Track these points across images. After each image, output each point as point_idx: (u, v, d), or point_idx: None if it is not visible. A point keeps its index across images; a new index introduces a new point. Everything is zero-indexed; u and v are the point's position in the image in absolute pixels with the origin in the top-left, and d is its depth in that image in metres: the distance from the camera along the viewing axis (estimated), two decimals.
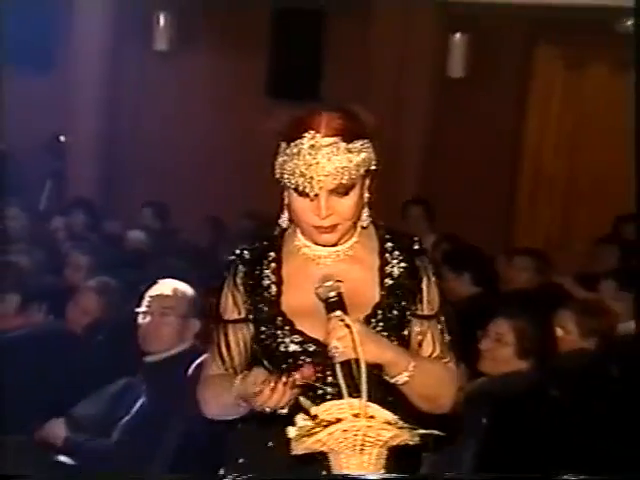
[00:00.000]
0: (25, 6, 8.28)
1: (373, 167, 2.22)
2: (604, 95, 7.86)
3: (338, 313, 2.13)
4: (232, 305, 2.30)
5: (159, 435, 3.68)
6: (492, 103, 7.74)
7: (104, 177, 8.47)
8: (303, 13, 8.01)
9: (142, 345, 3.90)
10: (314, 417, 2.06)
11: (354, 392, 2.10)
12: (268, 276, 2.28)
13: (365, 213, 2.26)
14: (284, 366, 2.22)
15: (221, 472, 2.37)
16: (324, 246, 2.26)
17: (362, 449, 2.01)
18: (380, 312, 2.26)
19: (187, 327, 3.90)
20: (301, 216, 2.22)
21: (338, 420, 2.03)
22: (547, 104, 8.08)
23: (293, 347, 2.22)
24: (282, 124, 2.21)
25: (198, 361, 3.66)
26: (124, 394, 3.96)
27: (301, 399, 2.11)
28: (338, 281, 2.16)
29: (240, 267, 2.30)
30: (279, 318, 2.25)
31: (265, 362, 2.26)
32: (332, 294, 2.15)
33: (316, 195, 2.16)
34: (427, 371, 2.24)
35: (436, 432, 2.08)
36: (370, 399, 2.07)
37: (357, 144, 2.18)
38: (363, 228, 2.30)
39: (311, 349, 2.22)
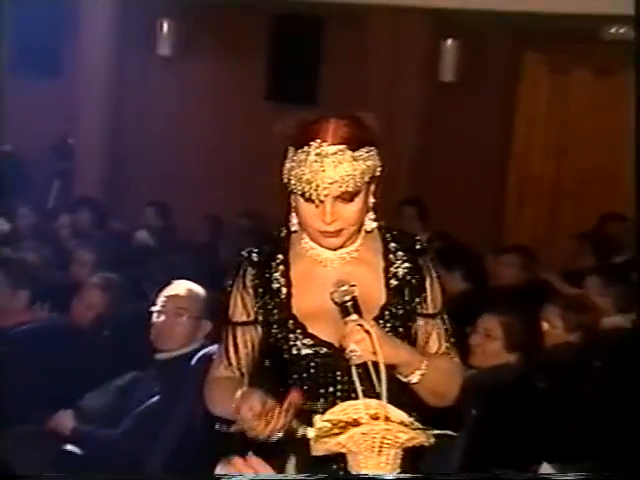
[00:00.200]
0: (35, 14, 8.30)
1: (378, 173, 2.20)
2: (588, 99, 7.88)
3: (354, 317, 2.11)
4: (241, 308, 2.27)
5: (165, 428, 3.68)
6: (481, 106, 7.75)
7: (109, 177, 8.47)
8: (301, 19, 8.01)
9: (155, 342, 3.89)
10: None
11: (369, 393, 2.09)
12: (277, 279, 2.25)
13: (371, 217, 2.24)
14: (296, 368, 2.20)
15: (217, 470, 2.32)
16: (329, 249, 2.24)
17: (380, 450, 1.99)
18: (387, 313, 2.24)
19: (199, 328, 3.88)
20: (307, 221, 2.19)
21: (355, 420, 2.02)
22: (534, 107, 8.09)
23: (305, 350, 2.20)
24: (290, 129, 2.19)
25: (199, 354, 3.68)
26: (131, 388, 3.96)
27: (293, 423, 2.09)
28: (352, 285, 2.14)
29: (249, 270, 2.26)
30: (290, 321, 2.22)
31: (273, 364, 2.23)
32: (347, 298, 2.13)
33: (322, 201, 2.14)
34: (437, 368, 2.22)
35: (450, 432, 2.08)
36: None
37: (363, 152, 2.16)
38: (368, 232, 2.27)
39: (322, 352, 2.20)
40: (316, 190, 2.13)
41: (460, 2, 7.20)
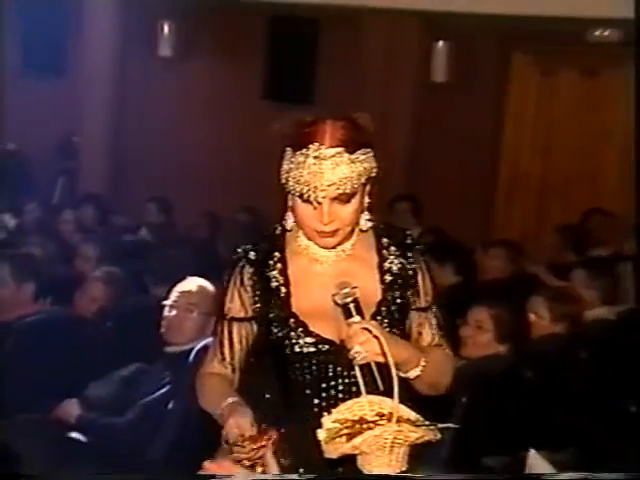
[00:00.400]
0: (39, 16, 8.31)
1: (374, 174, 2.18)
2: (575, 99, 7.90)
3: (357, 319, 2.10)
4: (239, 304, 2.24)
5: (169, 420, 3.69)
6: (472, 106, 7.76)
7: (112, 174, 8.47)
8: (299, 21, 8.01)
9: (165, 335, 3.89)
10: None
11: (372, 389, 2.07)
12: (275, 277, 2.22)
13: (366, 217, 2.23)
14: (297, 365, 2.18)
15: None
16: (325, 248, 2.22)
17: (391, 449, 1.99)
18: (384, 309, 2.22)
19: (208, 324, 3.85)
20: (304, 221, 2.17)
21: (361, 418, 2.01)
22: (523, 107, 8.10)
23: (307, 348, 2.18)
24: (288, 129, 2.16)
25: (198, 347, 3.69)
26: (136, 379, 3.96)
27: (267, 455, 2.08)
28: (354, 287, 2.12)
29: (247, 267, 2.23)
30: (291, 320, 2.19)
31: (273, 361, 2.21)
32: (349, 300, 2.11)
33: (319, 203, 2.12)
34: (433, 362, 2.21)
35: (452, 425, 2.07)
36: (385, 394, 2.05)
37: (360, 154, 2.13)
38: (363, 231, 2.25)
39: (324, 349, 2.18)
40: (314, 192, 2.11)
41: (451, 5, 7.20)
